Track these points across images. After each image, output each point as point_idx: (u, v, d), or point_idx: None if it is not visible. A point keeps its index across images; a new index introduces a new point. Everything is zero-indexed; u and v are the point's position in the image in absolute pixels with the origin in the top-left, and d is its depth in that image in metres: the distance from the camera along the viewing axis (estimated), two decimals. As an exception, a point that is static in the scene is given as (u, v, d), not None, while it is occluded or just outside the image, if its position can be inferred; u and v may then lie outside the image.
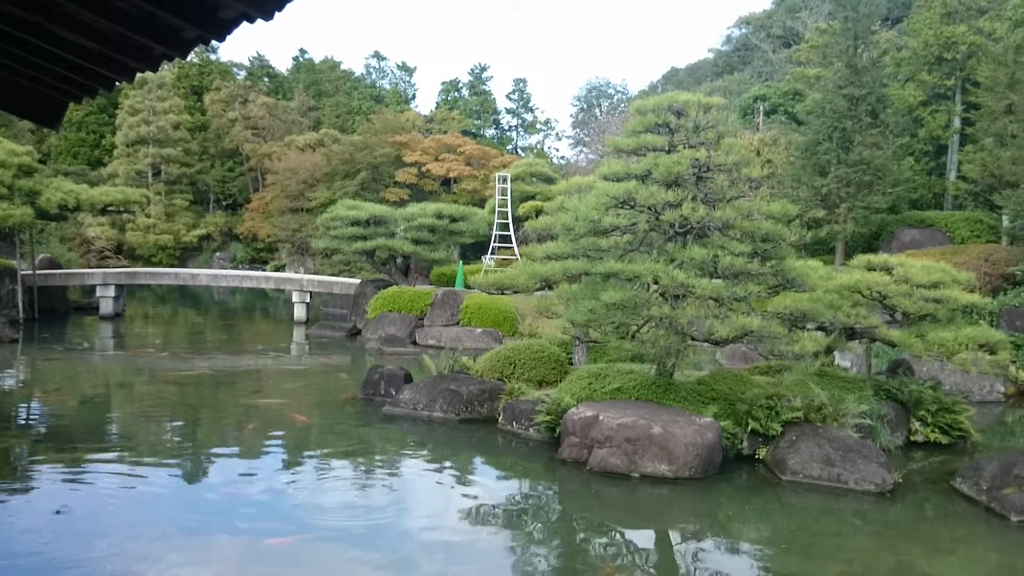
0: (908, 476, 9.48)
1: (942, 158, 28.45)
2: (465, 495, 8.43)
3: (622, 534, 7.50)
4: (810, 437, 9.33)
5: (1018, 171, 19.51)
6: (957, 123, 27.24)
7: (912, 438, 10.98)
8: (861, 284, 11.10)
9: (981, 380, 15.14)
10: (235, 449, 9.83)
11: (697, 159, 9.77)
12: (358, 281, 24.11)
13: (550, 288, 10.99)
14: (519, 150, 58.80)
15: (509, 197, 26.22)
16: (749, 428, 9.77)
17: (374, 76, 61.22)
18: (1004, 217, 21.59)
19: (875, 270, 11.52)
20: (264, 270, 37.82)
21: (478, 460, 9.90)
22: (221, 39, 3.40)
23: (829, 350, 11.64)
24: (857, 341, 11.76)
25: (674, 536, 7.59)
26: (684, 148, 10.05)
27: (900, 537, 7.73)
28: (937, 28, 26.34)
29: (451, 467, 9.48)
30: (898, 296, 10.95)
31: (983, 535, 7.87)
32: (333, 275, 31.32)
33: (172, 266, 38.53)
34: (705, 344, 10.69)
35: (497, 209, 26.04)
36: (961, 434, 10.99)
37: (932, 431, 10.96)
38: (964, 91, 26.99)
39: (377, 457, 9.77)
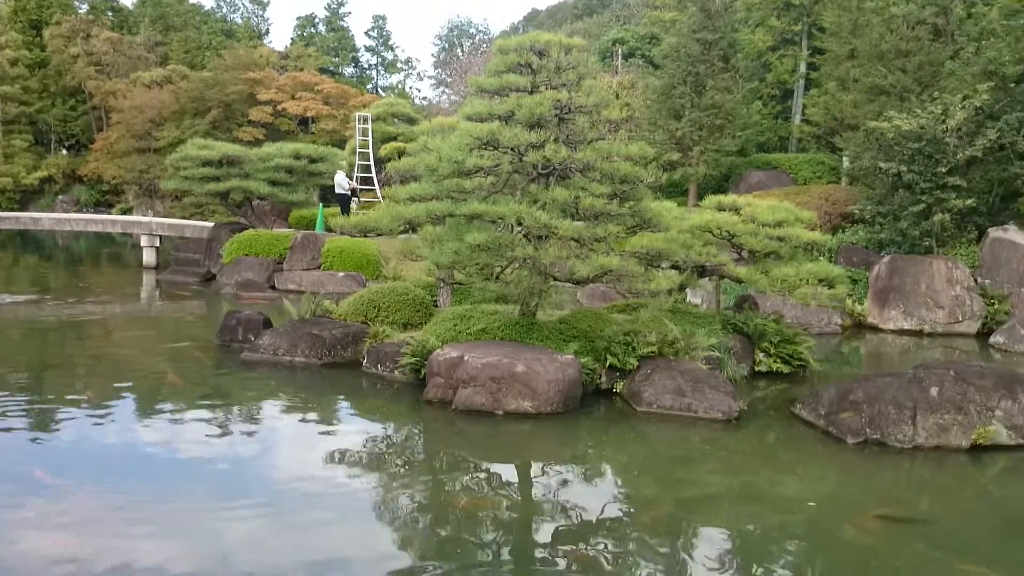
0: (753, 404, 10.09)
1: (788, 102, 29.76)
2: (330, 438, 8.40)
3: (486, 469, 7.68)
4: (663, 370, 9.76)
5: (858, 114, 20.65)
6: (803, 68, 28.48)
7: (757, 368, 11.66)
8: (712, 224, 11.57)
9: (820, 313, 16.18)
10: (85, 401, 9.42)
11: (559, 100, 9.87)
12: (211, 224, 23.30)
13: (414, 230, 10.92)
14: (379, 90, 57.65)
15: (370, 138, 25.75)
16: (608, 363, 10.12)
17: (225, 10, 58.42)
18: (844, 159, 22.87)
19: (725, 210, 12.02)
20: (110, 213, 35.90)
21: (342, 403, 9.87)
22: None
23: (682, 287, 12.14)
24: (707, 278, 12.31)
25: (536, 469, 7.84)
26: (546, 89, 10.12)
27: (745, 461, 8.25)
28: (786, -26, 27.29)
29: (315, 411, 9.41)
30: (745, 235, 11.48)
31: (821, 457, 8.49)
32: (184, 218, 30.07)
33: (12, 210, 36.02)
34: (567, 284, 10.94)
35: (358, 150, 25.56)
36: (801, 364, 11.75)
37: (775, 361, 11.66)
38: (810, 36, 28.19)
39: (237, 404, 9.57)
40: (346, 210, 22.69)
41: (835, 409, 9.01)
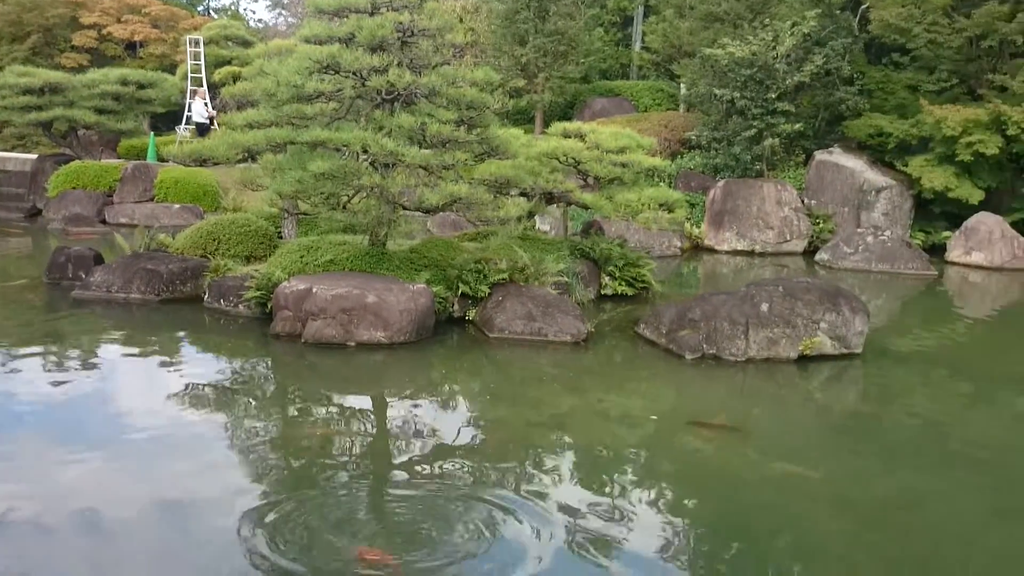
0: (600, 326, 10.42)
1: (628, 29, 30.18)
2: (174, 377, 8.09)
3: (339, 401, 7.63)
4: (514, 296, 9.91)
5: (694, 41, 21.23)
6: (643, -6, 28.87)
7: (603, 291, 12.03)
8: (558, 151, 11.71)
9: (661, 236, 16.80)
10: None
11: (401, 23, 9.61)
12: (35, 156, 21.78)
13: (253, 159, 10.51)
14: (212, 12, 54.46)
15: (203, 62, 24.52)
16: (460, 292, 10.17)
17: (34, -79, 53.23)
18: (681, 86, 23.52)
19: (570, 137, 12.19)
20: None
21: (184, 341, 9.51)
22: None
23: (531, 214, 12.30)
24: (555, 205, 12.50)
25: (390, 398, 7.85)
26: (387, 11, 9.83)
27: (593, 380, 8.55)
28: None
29: (156, 350, 9.02)
30: (590, 161, 11.70)
31: (663, 373, 8.90)
32: (5, 151, 27.82)
33: None
34: (416, 213, 10.86)
35: (190, 75, 24.30)
36: (644, 286, 12.19)
37: (619, 284, 12.05)
38: (648, -36, 28.54)
39: (72, 345, 9.05)
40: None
41: (675, 327, 9.42)
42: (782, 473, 6.25)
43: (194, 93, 23.07)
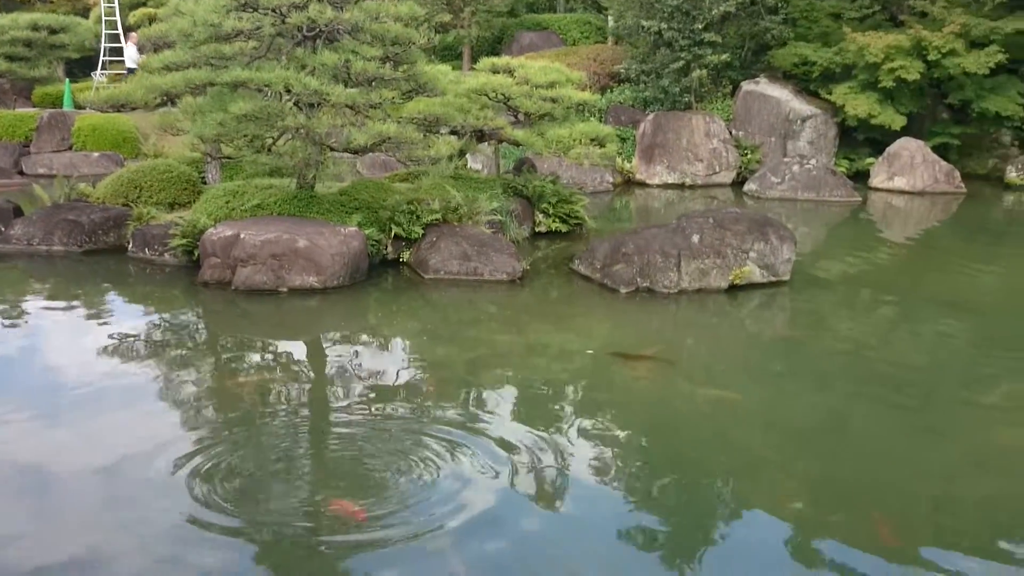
0: (534, 263, 10.45)
1: (555, -39, 29.70)
2: (102, 329, 7.90)
3: (273, 347, 7.54)
4: (448, 236, 9.86)
5: (620, -28, 20.96)
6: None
7: (537, 229, 12.03)
8: (487, 87, 11.57)
9: (593, 172, 16.80)
10: None
11: (320, -43, 9.30)
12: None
13: (172, 103, 10.16)
14: (120, -52, 52.05)
15: (117, 4, 23.51)
16: (393, 233, 10.08)
17: None
18: (609, 18, 23.32)
19: (499, 73, 12.03)
20: None
21: (111, 292, 9.27)
22: None
23: (462, 153, 12.17)
24: (486, 143, 12.39)
25: (326, 342, 7.79)
26: (305, -55, 9.49)
27: (530, 318, 8.60)
28: None
29: (81, 302, 8.78)
30: (520, 97, 11.59)
31: (598, 307, 8.99)
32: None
33: None
34: (344, 154, 10.66)
35: (104, 18, 23.29)
36: (578, 222, 12.23)
37: (553, 221, 12.06)
38: None
39: (-9, 302, 8.77)
40: None
41: (609, 262, 9.49)
42: (713, 398, 6.41)
43: (127, 37, 22.16)
